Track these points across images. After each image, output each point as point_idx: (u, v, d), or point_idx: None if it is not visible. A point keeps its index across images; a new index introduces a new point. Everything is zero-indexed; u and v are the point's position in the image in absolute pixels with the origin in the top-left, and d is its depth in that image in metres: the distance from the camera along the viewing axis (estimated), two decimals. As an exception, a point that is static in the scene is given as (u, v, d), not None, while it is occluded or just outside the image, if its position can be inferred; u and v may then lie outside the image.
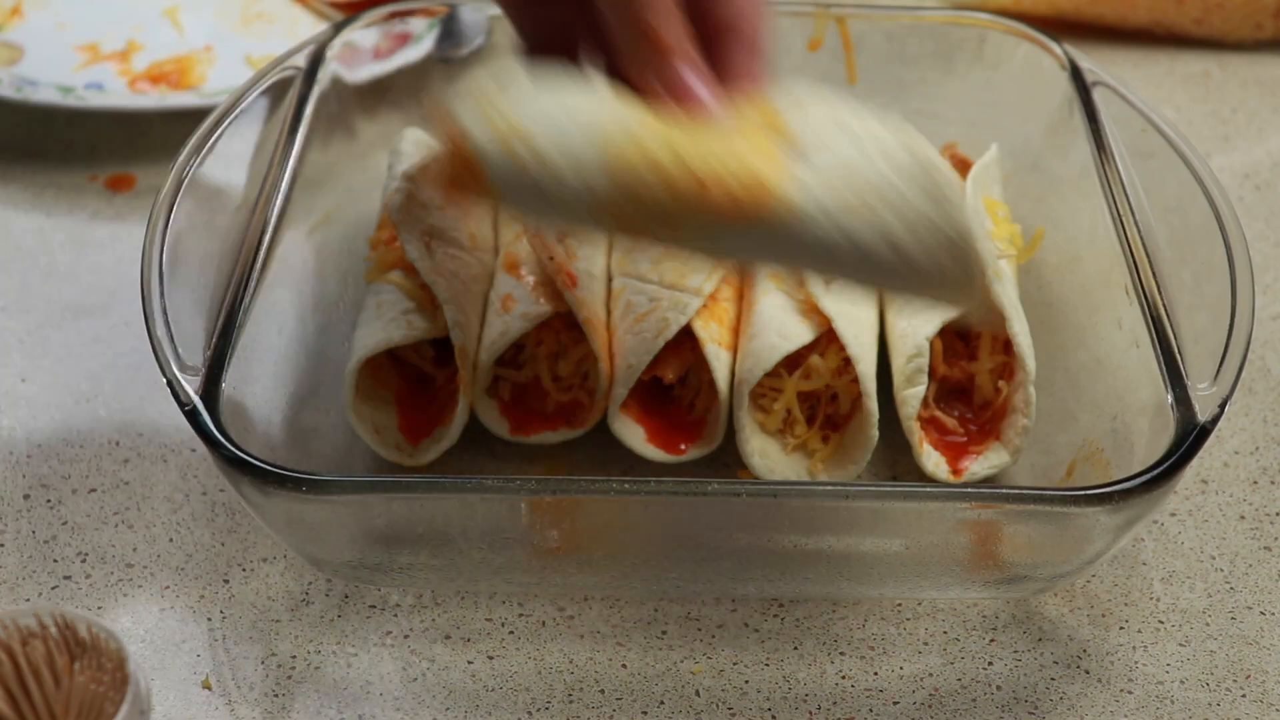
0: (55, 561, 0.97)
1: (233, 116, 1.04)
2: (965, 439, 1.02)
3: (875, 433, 0.98)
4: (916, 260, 0.79)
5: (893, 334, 1.03)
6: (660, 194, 0.78)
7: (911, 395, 1.00)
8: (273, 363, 0.98)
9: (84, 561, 0.97)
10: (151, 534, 0.99)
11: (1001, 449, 1.01)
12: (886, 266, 0.80)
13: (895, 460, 1.02)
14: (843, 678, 0.92)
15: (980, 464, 1.00)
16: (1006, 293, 1.01)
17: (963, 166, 1.15)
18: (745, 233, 0.79)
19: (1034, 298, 1.10)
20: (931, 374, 1.02)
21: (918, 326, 1.01)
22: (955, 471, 0.99)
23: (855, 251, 0.79)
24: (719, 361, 1.01)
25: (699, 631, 0.94)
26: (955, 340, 1.04)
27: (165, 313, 0.91)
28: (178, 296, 0.92)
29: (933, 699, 0.91)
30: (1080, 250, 1.08)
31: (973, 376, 1.03)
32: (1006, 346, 1.01)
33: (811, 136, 0.80)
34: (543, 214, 0.82)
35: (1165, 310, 0.93)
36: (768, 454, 0.99)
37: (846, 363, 1.01)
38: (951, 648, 0.93)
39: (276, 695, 0.90)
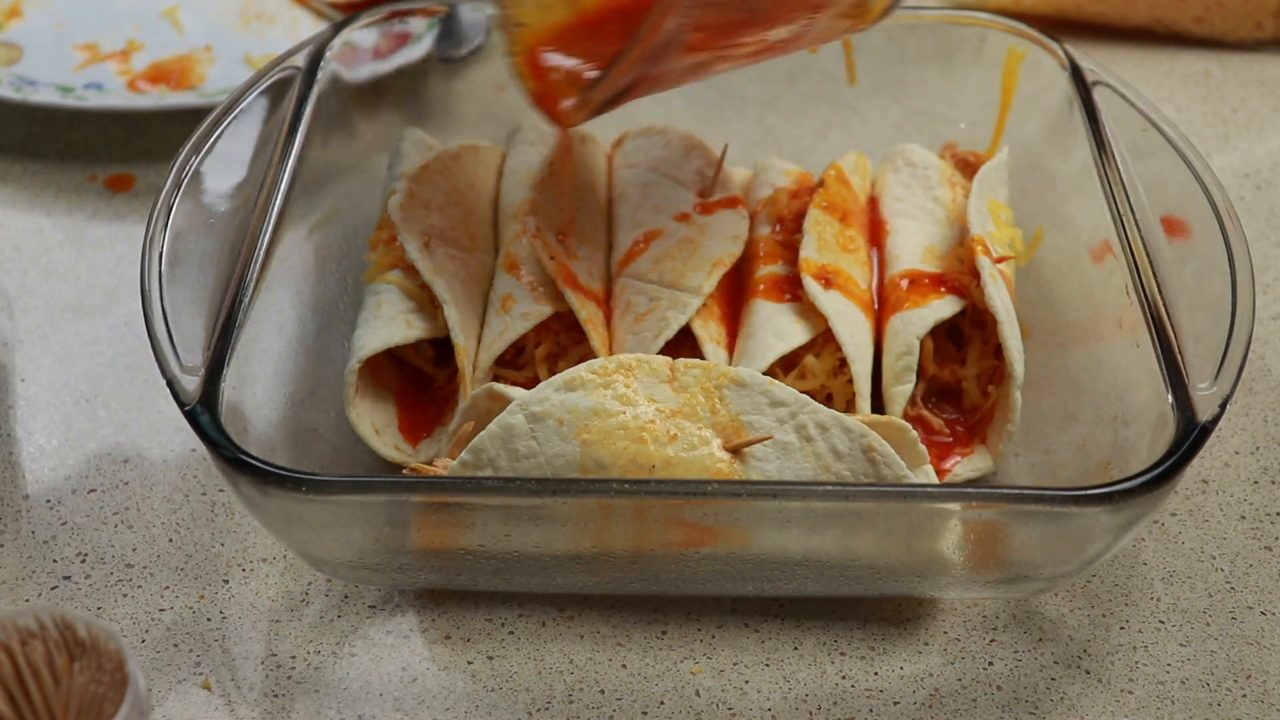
0: (55, 561, 0.97)
1: (232, 116, 1.04)
2: (951, 440, 1.02)
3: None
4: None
5: (886, 333, 1.04)
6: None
7: (899, 393, 1.00)
8: (273, 363, 0.98)
9: (84, 561, 0.97)
10: (151, 534, 0.99)
11: (986, 453, 1.01)
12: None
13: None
14: (843, 678, 0.92)
15: (964, 466, 1.00)
16: (1000, 296, 1.01)
17: (965, 166, 1.15)
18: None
19: (1034, 298, 1.10)
20: (921, 373, 1.02)
21: (910, 325, 1.01)
22: (939, 472, 0.98)
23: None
24: (717, 361, 1.01)
25: (699, 631, 0.94)
26: (948, 342, 1.04)
27: (165, 313, 0.91)
28: (178, 296, 0.92)
29: (933, 699, 0.91)
30: (1080, 250, 1.08)
31: (962, 379, 1.03)
32: (998, 351, 1.01)
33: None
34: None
35: (1165, 310, 0.93)
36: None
37: (842, 363, 1.01)
38: (952, 648, 0.93)
39: (276, 695, 0.90)
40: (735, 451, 0.89)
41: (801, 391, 0.91)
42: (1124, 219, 0.99)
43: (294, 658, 0.92)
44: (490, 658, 0.93)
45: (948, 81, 1.21)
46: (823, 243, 1.05)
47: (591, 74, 1.00)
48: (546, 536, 0.88)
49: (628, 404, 0.89)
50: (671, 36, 0.91)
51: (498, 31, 1.02)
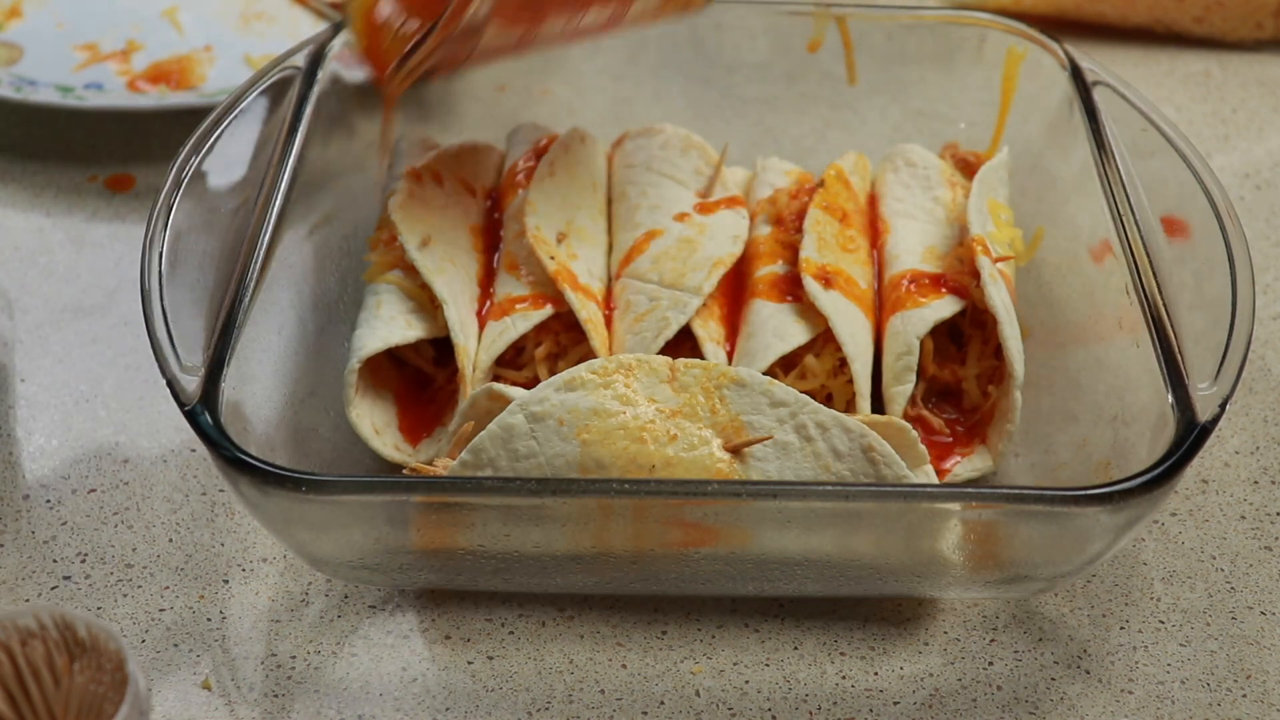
0: (55, 561, 0.97)
1: (232, 116, 1.04)
2: (951, 440, 1.02)
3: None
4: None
5: (886, 333, 1.04)
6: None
7: (899, 393, 1.00)
8: (273, 363, 0.98)
9: (84, 561, 0.97)
10: (151, 534, 0.99)
11: (986, 453, 1.01)
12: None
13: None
14: (843, 678, 0.92)
15: (964, 466, 1.00)
16: (1000, 296, 1.01)
17: (965, 166, 1.15)
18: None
19: (1034, 298, 1.10)
20: (921, 373, 1.02)
21: (910, 325, 1.01)
22: (939, 472, 0.98)
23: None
24: (717, 361, 1.01)
25: (699, 631, 0.94)
26: (948, 342, 1.05)
27: (165, 313, 0.91)
28: (178, 296, 0.92)
29: (933, 699, 0.91)
30: (1080, 250, 1.08)
31: (962, 379, 1.03)
32: (998, 351, 1.01)
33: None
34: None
35: (1165, 310, 0.93)
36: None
37: (842, 363, 1.01)
38: (952, 648, 0.93)
39: (276, 695, 0.90)
40: (735, 451, 0.89)
41: (801, 391, 0.91)
42: (1124, 219, 0.99)
43: (294, 658, 0.92)
44: (490, 658, 0.93)
45: (948, 81, 1.21)
46: (823, 243, 1.05)
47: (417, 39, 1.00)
48: (546, 536, 0.88)
49: (628, 404, 0.89)
50: (475, 18, 0.93)
51: None
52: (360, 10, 1.00)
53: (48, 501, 1.01)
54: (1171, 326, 0.92)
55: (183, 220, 0.97)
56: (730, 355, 1.03)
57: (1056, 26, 1.33)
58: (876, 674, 0.92)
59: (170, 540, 0.99)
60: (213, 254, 0.96)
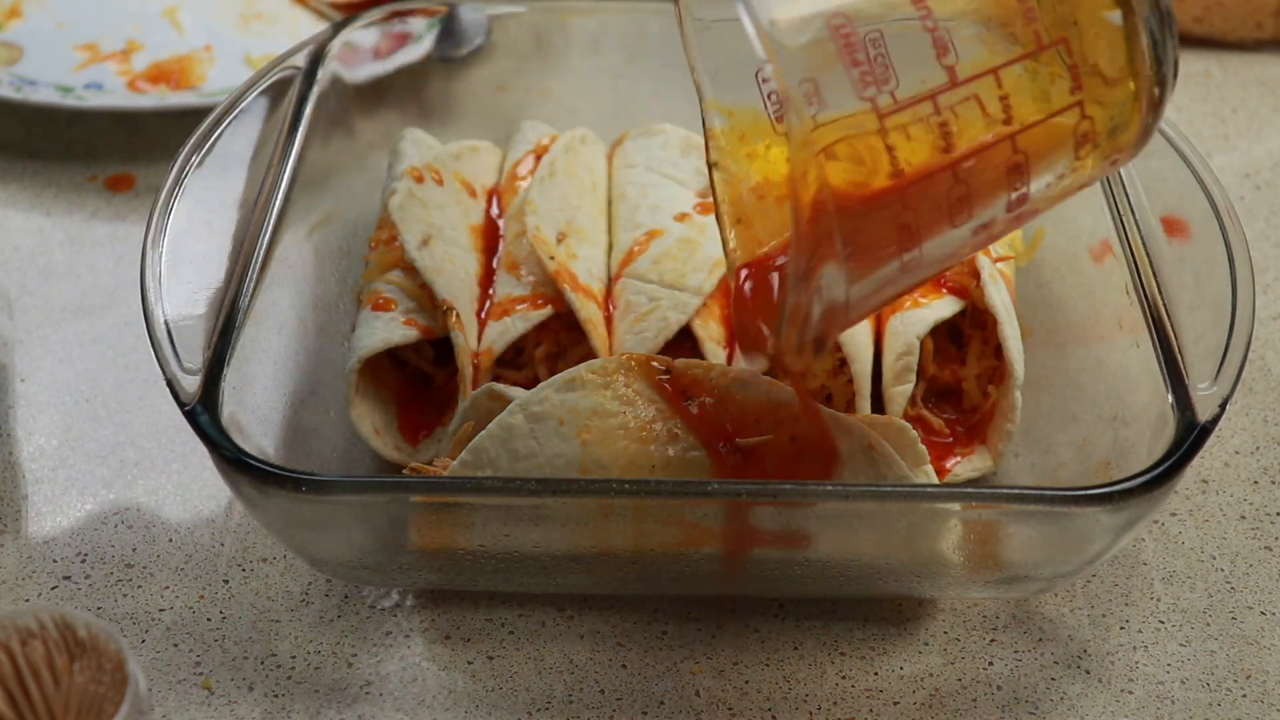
0: (55, 561, 0.97)
1: (232, 116, 1.04)
2: (951, 440, 1.02)
3: (871, 433, 0.98)
4: None
5: (886, 334, 1.04)
6: None
7: (899, 393, 1.00)
8: (272, 363, 0.98)
9: (84, 561, 0.97)
10: (151, 534, 0.99)
11: (986, 453, 1.01)
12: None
13: (894, 460, 1.02)
14: (843, 678, 0.92)
15: (964, 466, 1.00)
16: (1000, 296, 1.01)
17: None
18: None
19: (1034, 298, 1.10)
20: (921, 373, 1.02)
21: (910, 325, 1.01)
22: (939, 472, 0.98)
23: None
24: (717, 361, 1.01)
25: (699, 631, 0.94)
26: (948, 342, 1.04)
27: (165, 313, 0.91)
28: (178, 296, 0.92)
29: (933, 699, 0.91)
30: (1080, 250, 1.08)
31: (962, 379, 1.03)
32: (998, 351, 1.01)
33: None
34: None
35: (1165, 310, 0.93)
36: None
37: (842, 363, 1.01)
38: (951, 648, 0.93)
39: (276, 695, 0.90)
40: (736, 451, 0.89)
41: (802, 392, 0.91)
42: (1124, 219, 0.99)
43: (294, 658, 0.92)
44: (490, 658, 0.93)
45: (948, 81, 1.20)
46: (823, 243, 1.05)
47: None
48: (546, 536, 0.88)
49: (628, 404, 0.89)
50: (827, 275, 0.78)
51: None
52: (734, 287, 0.88)
53: (48, 501, 1.01)
54: (1171, 326, 0.92)
55: (183, 220, 0.97)
56: (730, 355, 1.03)
57: (1056, 26, 1.33)
58: (876, 674, 0.92)
59: (170, 540, 0.99)
60: (213, 254, 0.96)
